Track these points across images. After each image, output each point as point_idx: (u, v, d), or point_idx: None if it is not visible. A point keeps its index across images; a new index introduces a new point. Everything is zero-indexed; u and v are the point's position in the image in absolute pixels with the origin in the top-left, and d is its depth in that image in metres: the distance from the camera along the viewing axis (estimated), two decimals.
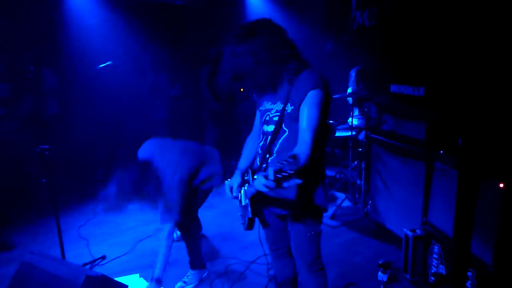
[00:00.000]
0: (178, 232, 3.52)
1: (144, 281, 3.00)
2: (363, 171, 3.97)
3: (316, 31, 6.14)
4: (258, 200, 1.99)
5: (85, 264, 3.26)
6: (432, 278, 2.77)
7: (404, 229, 2.97)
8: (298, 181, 1.53)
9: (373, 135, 3.74)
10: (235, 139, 5.74)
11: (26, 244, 3.66)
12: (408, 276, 2.94)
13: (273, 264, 2.38)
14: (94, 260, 3.34)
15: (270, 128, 1.98)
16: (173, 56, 6.00)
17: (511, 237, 2.32)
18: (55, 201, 2.95)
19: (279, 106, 1.95)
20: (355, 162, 4.59)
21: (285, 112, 1.91)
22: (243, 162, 2.16)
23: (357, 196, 4.35)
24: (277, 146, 1.95)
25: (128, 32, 5.48)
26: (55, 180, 3.19)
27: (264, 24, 1.92)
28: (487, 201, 2.43)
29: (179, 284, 2.96)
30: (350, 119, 4.44)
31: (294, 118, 1.88)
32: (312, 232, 2.03)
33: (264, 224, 2.20)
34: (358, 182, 4.27)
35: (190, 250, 2.97)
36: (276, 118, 1.95)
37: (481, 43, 2.61)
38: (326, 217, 4.04)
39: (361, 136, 4.42)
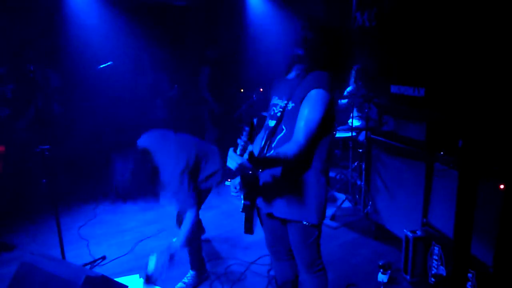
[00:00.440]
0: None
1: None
2: (364, 172, 3.96)
3: None
4: (252, 187, 1.96)
5: (85, 264, 3.26)
6: (432, 279, 2.77)
7: (404, 230, 2.97)
8: (251, 147, 1.58)
9: (373, 136, 3.74)
10: (235, 140, 5.73)
11: (26, 244, 3.65)
12: (408, 277, 2.94)
13: (273, 265, 2.38)
14: (94, 261, 3.34)
15: (272, 123, 1.97)
16: (172, 57, 6.00)
17: (511, 238, 2.33)
18: (55, 201, 2.95)
19: (283, 102, 1.94)
20: (356, 163, 4.59)
21: (286, 109, 1.90)
22: None
23: (357, 197, 4.35)
24: (275, 142, 1.94)
25: (128, 32, 5.49)
26: (55, 180, 3.19)
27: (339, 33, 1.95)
28: (487, 202, 2.43)
29: (179, 284, 2.95)
30: (350, 119, 4.44)
31: (294, 115, 1.86)
32: (312, 235, 2.02)
33: (264, 225, 2.20)
34: (359, 183, 4.26)
35: (191, 250, 2.96)
36: (279, 114, 1.94)
37: (482, 44, 2.61)
38: (326, 218, 4.03)
39: (361, 137, 4.42)
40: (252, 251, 3.43)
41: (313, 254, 2.07)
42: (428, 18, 3.04)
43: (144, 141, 2.76)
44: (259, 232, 2.24)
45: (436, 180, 2.97)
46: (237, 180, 2.02)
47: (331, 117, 1.88)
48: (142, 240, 3.74)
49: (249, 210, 1.97)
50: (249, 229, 2.01)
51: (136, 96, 5.49)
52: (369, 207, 3.85)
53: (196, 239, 2.98)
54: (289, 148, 1.77)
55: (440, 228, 2.87)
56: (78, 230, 3.98)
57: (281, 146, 1.86)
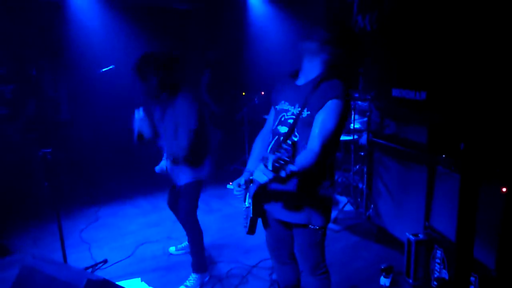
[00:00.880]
0: (181, 245, 3.55)
1: (146, 285, 3.00)
2: (365, 175, 3.96)
3: None
4: (261, 198, 1.98)
5: (87, 268, 3.26)
6: (435, 283, 2.76)
7: (407, 234, 2.97)
8: (293, 167, 1.53)
9: (375, 139, 3.74)
10: (237, 143, 5.74)
11: (28, 248, 3.65)
12: (410, 281, 2.93)
13: (276, 269, 2.37)
14: (96, 264, 3.34)
15: (283, 129, 1.97)
16: None
17: None
18: (57, 205, 2.95)
19: (296, 109, 1.94)
20: (357, 166, 4.58)
21: (301, 116, 1.90)
22: (251, 164, 2.12)
23: (359, 200, 4.34)
24: None
25: (129, 36, 5.51)
26: (57, 183, 3.19)
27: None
28: (489, 205, 2.42)
29: (181, 287, 2.95)
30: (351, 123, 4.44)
31: (308, 123, 1.87)
32: (318, 237, 2.02)
33: (267, 229, 2.19)
34: (360, 186, 4.26)
35: (194, 249, 2.96)
36: (291, 121, 1.94)
37: (483, 47, 2.61)
38: None
39: (363, 140, 4.42)
40: (253, 255, 3.42)
41: (318, 257, 2.07)
42: (429, 21, 3.05)
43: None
44: (260, 236, 2.24)
45: (438, 183, 2.96)
46: (242, 179, 2.03)
47: (344, 125, 1.92)
48: (143, 244, 3.74)
49: (255, 225, 2.01)
50: (251, 230, 2.02)
51: (137, 99, 5.50)
52: (371, 210, 3.85)
53: (200, 240, 2.98)
54: (305, 157, 1.78)
55: (442, 232, 2.87)
56: (80, 234, 3.98)
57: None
